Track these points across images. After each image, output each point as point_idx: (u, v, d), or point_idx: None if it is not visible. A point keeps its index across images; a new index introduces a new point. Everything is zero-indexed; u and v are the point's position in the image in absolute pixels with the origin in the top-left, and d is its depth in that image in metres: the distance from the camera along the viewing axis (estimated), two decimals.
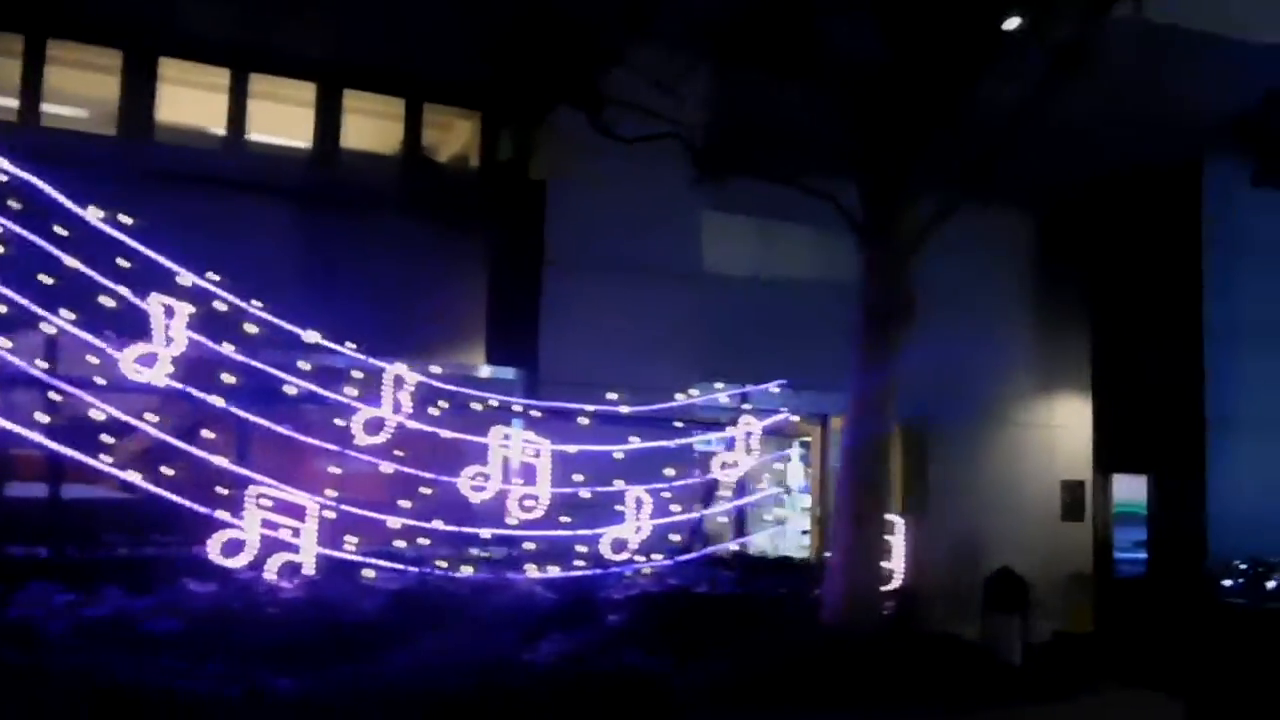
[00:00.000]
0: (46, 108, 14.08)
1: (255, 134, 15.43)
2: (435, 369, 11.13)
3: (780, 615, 10.34)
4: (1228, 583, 15.97)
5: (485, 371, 15.06)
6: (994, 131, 9.82)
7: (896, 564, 11.76)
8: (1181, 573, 16.68)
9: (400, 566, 9.86)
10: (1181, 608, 15.88)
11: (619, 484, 10.95)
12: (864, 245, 10.40)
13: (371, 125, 16.32)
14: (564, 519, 10.72)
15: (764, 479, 12.66)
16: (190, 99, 15.18)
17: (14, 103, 13.86)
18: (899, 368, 10.75)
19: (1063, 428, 19.56)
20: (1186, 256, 17.16)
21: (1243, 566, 15.97)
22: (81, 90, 14.97)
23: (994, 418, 19.10)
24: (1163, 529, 17.40)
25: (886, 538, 11.36)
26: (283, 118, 15.83)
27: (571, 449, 10.84)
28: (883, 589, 11.10)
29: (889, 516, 11.37)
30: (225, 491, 9.37)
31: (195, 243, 12.90)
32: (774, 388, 12.34)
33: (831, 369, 15.76)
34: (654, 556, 11.12)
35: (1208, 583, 16.15)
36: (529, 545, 10.60)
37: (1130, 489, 18.22)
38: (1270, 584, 15.59)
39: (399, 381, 10.24)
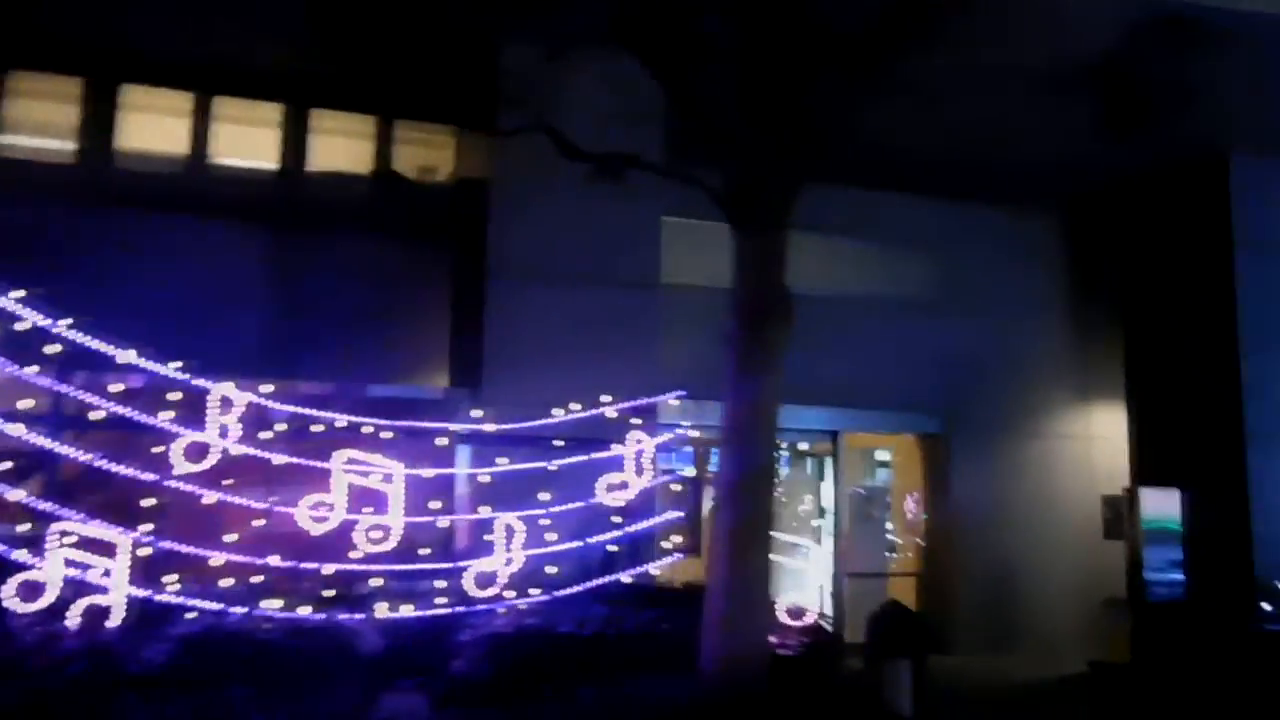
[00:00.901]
0: (5, 139, 14.01)
1: (220, 156, 15.12)
2: (301, 387, 10.16)
3: (654, 658, 9.07)
4: (1268, 607, 14.44)
5: (429, 392, 14.28)
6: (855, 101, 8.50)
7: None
8: (1222, 596, 15.16)
9: (219, 606, 8.89)
10: (1220, 635, 14.38)
11: (486, 510, 9.88)
12: (734, 233, 9.06)
13: (336, 143, 15.85)
14: (422, 551, 9.68)
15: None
16: (152, 123, 14.90)
17: None
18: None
19: (1102, 439, 18.07)
20: (1217, 258, 15.97)
21: None
22: (43, 118, 14.77)
23: (1025, 428, 17.75)
24: (1202, 549, 15.75)
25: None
26: (249, 138, 15.46)
27: (429, 473, 9.80)
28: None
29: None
30: None
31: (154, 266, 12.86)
32: (672, 400, 11.08)
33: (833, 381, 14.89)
34: (531, 591, 9.97)
35: (1250, 608, 14.72)
36: (376, 581, 9.56)
37: (1165, 504, 16.51)
38: None
39: (227, 402, 9.24)
